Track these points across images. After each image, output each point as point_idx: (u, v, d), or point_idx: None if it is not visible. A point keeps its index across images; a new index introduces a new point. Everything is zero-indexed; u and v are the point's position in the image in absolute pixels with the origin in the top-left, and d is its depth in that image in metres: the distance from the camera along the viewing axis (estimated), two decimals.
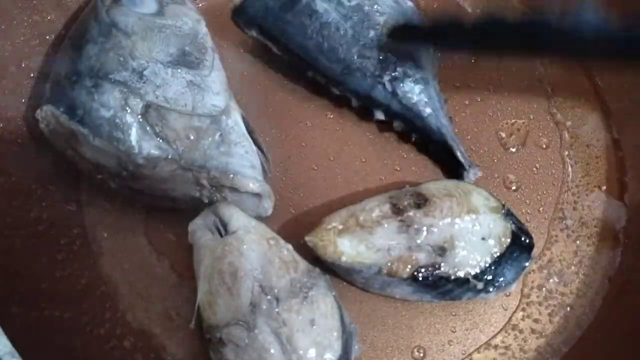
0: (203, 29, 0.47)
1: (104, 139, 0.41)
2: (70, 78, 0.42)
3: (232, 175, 0.42)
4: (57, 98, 0.42)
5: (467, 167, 0.47)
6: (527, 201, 0.49)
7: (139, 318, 0.44)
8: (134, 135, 0.41)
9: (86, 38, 0.43)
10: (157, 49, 0.44)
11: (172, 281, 0.45)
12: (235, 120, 0.45)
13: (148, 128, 0.41)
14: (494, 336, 0.45)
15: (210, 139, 0.43)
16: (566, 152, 0.50)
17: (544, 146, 0.50)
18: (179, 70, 0.43)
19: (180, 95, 0.43)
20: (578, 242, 0.48)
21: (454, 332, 0.45)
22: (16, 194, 0.43)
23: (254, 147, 0.45)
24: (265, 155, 0.46)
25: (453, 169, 0.48)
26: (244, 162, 0.43)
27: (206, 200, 0.43)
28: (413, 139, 0.49)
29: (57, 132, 0.42)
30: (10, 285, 0.39)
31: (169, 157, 0.41)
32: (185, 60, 0.44)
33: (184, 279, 0.45)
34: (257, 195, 0.43)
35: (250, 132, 0.46)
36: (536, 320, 0.45)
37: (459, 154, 0.47)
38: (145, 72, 0.42)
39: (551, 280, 0.46)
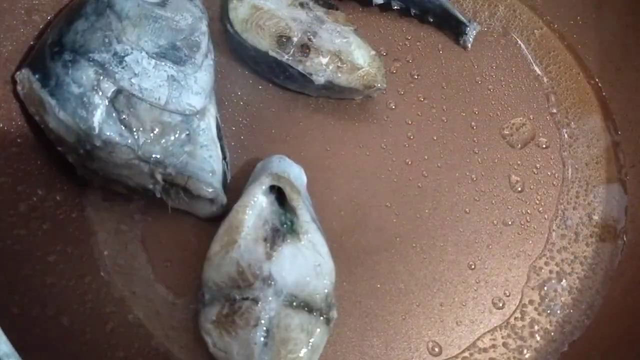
0: (202, 27, 0.46)
1: (68, 113, 0.41)
2: (53, 48, 0.42)
3: (187, 177, 0.42)
4: (36, 64, 0.43)
5: (467, 23, 0.52)
6: (528, 201, 0.48)
7: (140, 319, 0.44)
8: (97, 116, 0.41)
9: (80, 13, 0.44)
10: (147, 38, 0.43)
11: (172, 283, 0.45)
12: (207, 124, 0.44)
13: (113, 113, 0.41)
14: (492, 337, 0.45)
15: (175, 136, 0.42)
16: (566, 152, 0.50)
17: (544, 146, 0.50)
18: (163, 63, 0.43)
19: (157, 87, 0.42)
20: (578, 242, 0.47)
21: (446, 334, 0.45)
22: (18, 194, 0.43)
23: (220, 153, 0.45)
24: (227, 163, 0.46)
25: (455, 29, 0.53)
26: (204, 165, 0.43)
27: (158, 195, 0.43)
28: (413, 14, 0.53)
29: (29, 97, 0.42)
30: (11, 286, 0.39)
31: (127, 145, 0.41)
32: (173, 54, 0.44)
33: (184, 280, 0.45)
34: (211, 200, 0.43)
35: (219, 138, 0.45)
36: (535, 321, 0.45)
37: (457, 13, 0.52)
38: (126, 58, 0.42)
39: (551, 281, 0.46)
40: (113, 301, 0.44)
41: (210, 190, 0.43)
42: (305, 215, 0.41)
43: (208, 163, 0.43)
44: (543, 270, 0.46)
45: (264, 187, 0.42)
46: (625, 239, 0.48)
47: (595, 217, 0.48)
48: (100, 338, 0.42)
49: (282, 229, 0.41)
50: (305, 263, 0.40)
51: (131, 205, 0.46)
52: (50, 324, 0.41)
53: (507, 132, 0.50)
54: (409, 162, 0.49)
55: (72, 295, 0.43)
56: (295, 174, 0.43)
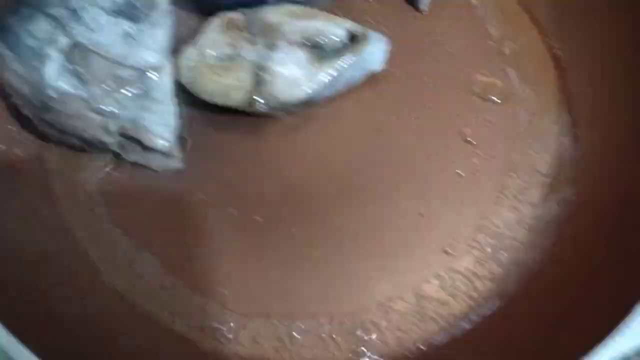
0: None
1: (23, 65, 0.42)
2: (13, 5, 0.44)
3: (140, 129, 0.43)
4: None
5: None
6: (480, 153, 0.50)
7: (102, 270, 0.45)
8: (51, 68, 0.42)
9: None
10: None
11: (135, 236, 0.46)
12: (163, 80, 0.45)
13: (68, 65, 0.43)
14: (438, 282, 0.46)
15: (130, 90, 0.44)
16: (519, 107, 0.51)
17: (499, 101, 0.51)
18: (120, 20, 0.44)
19: (112, 43, 0.44)
20: (529, 191, 0.48)
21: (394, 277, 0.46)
22: None
23: (175, 109, 0.46)
24: (182, 119, 0.47)
25: None
26: (158, 119, 0.44)
27: (114, 148, 0.45)
28: None
29: None
30: None
31: (81, 97, 0.42)
32: (130, 12, 0.45)
33: (147, 232, 0.46)
34: (165, 153, 0.45)
35: (175, 94, 0.46)
36: (483, 267, 0.46)
37: None
38: (83, 14, 0.43)
39: (500, 229, 0.47)
40: (79, 258, 0.46)
41: (163, 143, 0.44)
42: None
43: (162, 116, 0.45)
44: (492, 219, 0.48)
45: None
46: (574, 185, 0.49)
47: (546, 168, 0.49)
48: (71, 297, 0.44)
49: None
50: None
51: (92, 159, 0.47)
52: (17, 285, 0.42)
53: (463, 89, 0.51)
54: (363, 117, 0.50)
55: (35, 251, 0.44)
56: None
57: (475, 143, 0.50)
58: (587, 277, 0.44)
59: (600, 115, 0.50)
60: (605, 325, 0.37)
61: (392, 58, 0.51)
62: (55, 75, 0.42)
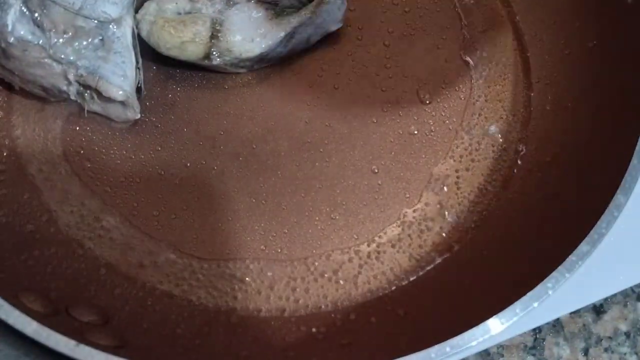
0: None
1: None
2: None
3: (98, 78, 0.44)
4: None
5: None
6: (434, 113, 0.51)
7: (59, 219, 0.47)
8: (11, 14, 0.43)
9: None
10: None
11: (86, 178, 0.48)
12: (123, 33, 0.46)
13: (27, 12, 0.43)
14: (389, 233, 0.47)
15: (88, 40, 0.45)
16: (474, 69, 0.52)
17: (454, 63, 0.52)
18: None
19: None
20: (479, 151, 0.50)
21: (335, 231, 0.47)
22: None
23: (134, 61, 0.46)
24: (140, 69, 0.47)
25: None
26: (116, 69, 0.45)
27: (73, 97, 0.46)
28: None
29: None
30: None
31: (39, 44, 0.43)
32: None
33: (102, 176, 0.48)
34: (123, 103, 0.45)
35: (134, 46, 0.47)
36: (432, 220, 0.48)
37: None
38: None
39: (449, 185, 0.49)
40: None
41: (120, 92, 0.45)
42: None
43: (120, 67, 0.46)
44: (443, 175, 0.49)
45: None
46: (524, 149, 0.50)
47: (498, 129, 0.51)
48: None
49: None
50: None
51: (55, 109, 0.49)
52: None
53: (420, 50, 0.53)
54: (321, 76, 0.51)
55: None
56: None
57: (430, 103, 0.51)
58: (527, 232, 0.45)
59: (554, 79, 0.51)
60: (541, 273, 0.38)
61: (350, 17, 0.52)
62: (14, 22, 0.43)
